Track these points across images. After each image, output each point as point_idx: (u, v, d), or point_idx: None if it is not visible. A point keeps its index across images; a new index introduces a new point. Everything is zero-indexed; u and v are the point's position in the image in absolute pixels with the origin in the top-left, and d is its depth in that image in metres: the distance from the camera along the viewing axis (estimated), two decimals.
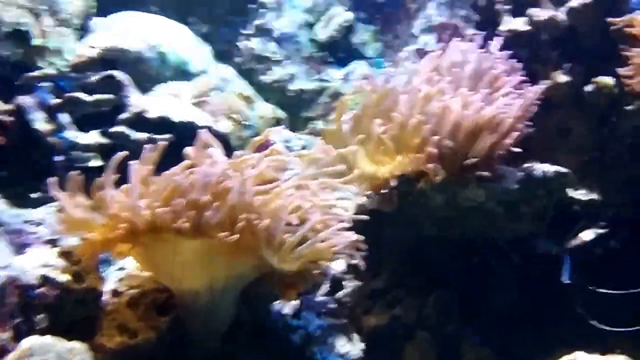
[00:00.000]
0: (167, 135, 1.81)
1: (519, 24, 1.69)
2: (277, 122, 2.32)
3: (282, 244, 1.25)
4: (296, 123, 2.77)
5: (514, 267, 1.70)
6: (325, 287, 1.65)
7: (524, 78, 1.58)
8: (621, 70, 1.48)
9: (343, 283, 1.69)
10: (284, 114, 2.44)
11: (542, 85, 1.56)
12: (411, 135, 1.52)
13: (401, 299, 1.73)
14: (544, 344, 1.60)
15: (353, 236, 1.33)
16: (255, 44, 2.77)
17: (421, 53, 2.83)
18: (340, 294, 1.68)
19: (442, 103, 1.51)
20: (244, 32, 2.78)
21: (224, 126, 2.08)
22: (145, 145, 1.27)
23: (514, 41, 1.66)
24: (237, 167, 1.30)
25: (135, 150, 1.30)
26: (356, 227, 1.38)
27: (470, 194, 1.55)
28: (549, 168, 1.56)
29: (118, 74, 1.98)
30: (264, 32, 2.80)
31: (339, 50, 2.97)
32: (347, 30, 2.96)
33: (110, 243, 1.17)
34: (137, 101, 1.97)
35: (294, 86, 2.81)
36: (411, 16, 3.20)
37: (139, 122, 1.94)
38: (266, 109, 2.32)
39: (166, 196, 1.20)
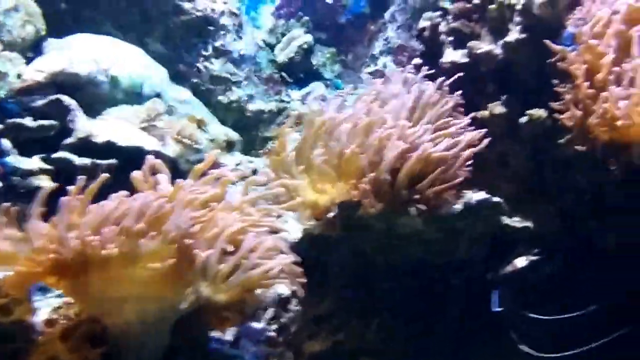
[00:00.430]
0: (111, 161, 1.80)
1: (459, 56, 1.74)
2: (230, 144, 2.32)
3: (216, 273, 1.25)
4: (254, 143, 2.79)
5: (455, 292, 1.74)
6: (269, 313, 1.66)
7: (467, 119, 1.62)
8: (554, 105, 1.52)
9: (288, 307, 1.70)
10: (238, 136, 2.45)
11: (484, 130, 1.59)
12: (349, 165, 1.55)
13: (346, 323, 1.74)
14: None
15: (287, 259, 1.32)
16: (214, 65, 2.78)
17: (380, 74, 2.88)
18: (283, 319, 1.69)
19: (379, 134, 1.54)
20: (204, 53, 2.79)
21: (173, 150, 2.08)
22: (79, 177, 1.26)
23: (454, 73, 1.70)
24: (176, 194, 1.30)
25: (80, 175, 1.27)
26: (301, 251, 1.39)
27: (408, 222, 1.58)
28: (484, 197, 1.60)
29: (65, 98, 1.97)
30: (223, 53, 2.82)
31: (298, 71, 3.01)
32: (306, 51, 3.00)
33: (37, 276, 1.17)
34: (83, 126, 1.95)
35: (252, 106, 2.83)
36: (371, 38, 3.25)
37: (85, 147, 1.93)
38: (219, 132, 2.32)
39: (98, 225, 1.20)
